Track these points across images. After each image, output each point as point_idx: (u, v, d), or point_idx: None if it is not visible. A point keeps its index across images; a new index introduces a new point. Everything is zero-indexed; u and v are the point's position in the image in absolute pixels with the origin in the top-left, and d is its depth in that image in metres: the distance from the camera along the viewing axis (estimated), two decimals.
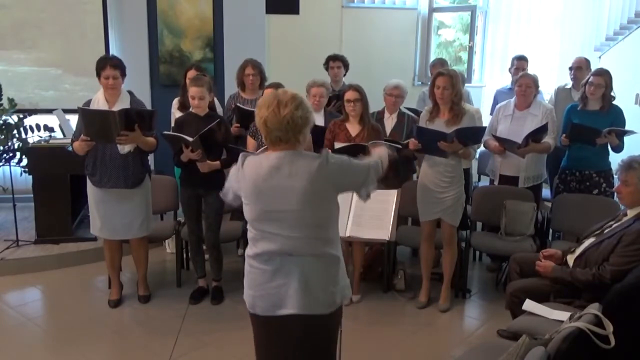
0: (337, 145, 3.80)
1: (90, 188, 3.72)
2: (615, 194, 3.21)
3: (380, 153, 2.42)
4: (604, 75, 4.04)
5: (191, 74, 4.15)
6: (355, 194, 2.22)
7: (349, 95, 3.80)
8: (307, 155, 2.04)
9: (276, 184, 2.00)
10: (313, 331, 2.09)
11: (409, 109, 4.70)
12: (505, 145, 4.06)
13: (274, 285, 2.06)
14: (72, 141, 3.66)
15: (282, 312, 2.05)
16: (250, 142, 3.93)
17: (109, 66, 3.52)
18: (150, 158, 3.98)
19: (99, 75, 3.56)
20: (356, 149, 3.63)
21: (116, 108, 3.54)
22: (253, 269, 2.11)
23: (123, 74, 3.60)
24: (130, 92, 3.70)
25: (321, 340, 2.13)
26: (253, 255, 2.10)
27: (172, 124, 4.03)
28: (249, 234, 2.12)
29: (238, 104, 4.30)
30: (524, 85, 4.08)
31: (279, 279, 2.05)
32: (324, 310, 2.08)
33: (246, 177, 2.05)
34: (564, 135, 4.10)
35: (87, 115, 3.49)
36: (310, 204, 2.00)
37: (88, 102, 3.64)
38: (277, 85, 3.76)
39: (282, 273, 2.05)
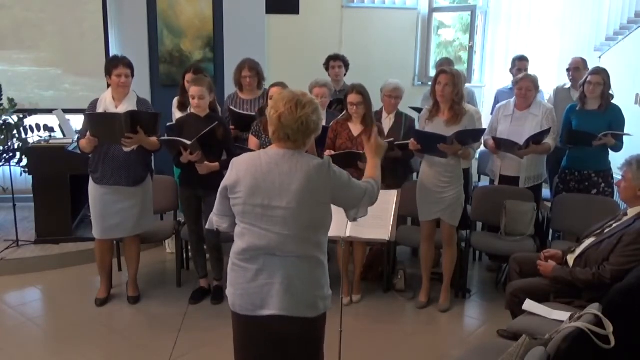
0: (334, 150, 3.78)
1: (91, 187, 3.73)
2: (616, 189, 3.24)
3: (376, 151, 2.40)
4: (602, 74, 4.05)
5: (189, 77, 4.15)
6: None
7: (352, 98, 3.79)
8: (308, 156, 2.06)
9: (275, 179, 2.00)
10: (295, 334, 2.08)
11: (414, 108, 4.69)
12: (506, 145, 4.05)
13: (255, 285, 2.05)
14: (79, 139, 3.68)
15: (263, 313, 2.05)
16: (253, 141, 3.92)
17: (122, 65, 3.58)
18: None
19: (109, 73, 3.59)
20: (353, 157, 3.62)
21: (123, 107, 3.58)
22: (235, 267, 2.11)
23: (133, 74, 3.66)
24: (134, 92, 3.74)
25: (304, 344, 2.12)
26: (238, 251, 2.09)
27: (171, 123, 4.04)
28: (237, 229, 2.11)
29: (231, 107, 4.29)
30: (524, 88, 4.07)
31: (262, 279, 2.04)
32: (307, 313, 2.07)
33: (242, 170, 2.04)
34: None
35: (94, 119, 3.53)
36: (306, 203, 2.00)
37: (95, 102, 3.67)
38: (282, 85, 3.77)
39: (265, 273, 2.04)
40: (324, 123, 4.03)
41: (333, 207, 2.14)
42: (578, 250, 3.09)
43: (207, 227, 2.32)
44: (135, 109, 3.58)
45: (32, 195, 4.67)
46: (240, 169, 2.05)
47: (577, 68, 4.66)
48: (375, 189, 2.24)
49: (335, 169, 2.07)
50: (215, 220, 2.21)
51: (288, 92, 2.06)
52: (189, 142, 3.51)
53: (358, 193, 2.15)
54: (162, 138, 3.68)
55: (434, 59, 6.37)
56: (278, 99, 2.03)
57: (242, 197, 2.03)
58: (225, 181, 2.09)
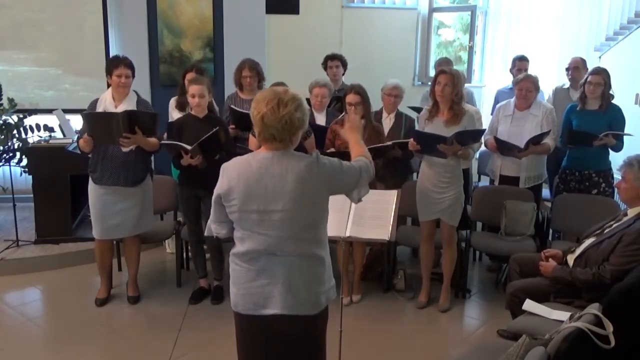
0: (332, 151, 3.77)
1: (91, 187, 3.73)
2: (616, 191, 3.24)
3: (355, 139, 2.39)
4: (602, 74, 4.05)
5: (190, 76, 4.15)
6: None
7: (350, 98, 3.79)
8: (297, 155, 2.04)
9: (267, 183, 1.99)
10: (297, 332, 2.08)
11: (414, 107, 4.69)
12: (506, 148, 4.04)
13: (257, 285, 2.05)
14: (78, 139, 3.68)
15: (266, 312, 2.05)
16: (253, 141, 3.90)
17: (124, 65, 3.59)
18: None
19: (110, 73, 3.59)
20: (348, 157, 3.61)
21: (123, 107, 3.58)
22: (237, 267, 2.11)
23: (133, 75, 3.67)
24: (135, 92, 3.74)
25: (306, 342, 2.12)
26: (238, 253, 2.09)
27: (171, 120, 4.04)
28: (236, 234, 2.10)
29: (232, 106, 4.28)
30: (524, 89, 4.06)
31: (263, 278, 2.04)
32: (309, 311, 2.07)
33: (234, 177, 2.02)
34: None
35: (91, 119, 3.53)
36: (301, 204, 1.99)
37: (95, 102, 3.67)
38: (282, 85, 3.76)
39: (267, 273, 2.04)
40: (323, 123, 4.08)
41: (333, 207, 2.13)
42: (578, 251, 3.09)
43: (206, 234, 2.32)
44: (135, 109, 3.58)
45: (32, 195, 4.67)
46: (231, 176, 2.03)
47: (576, 68, 4.66)
48: (369, 164, 2.21)
49: (325, 161, 2.05)
50: (213, 228, 2.20)
51: (269, 91, 2.02)
52: (189, 147, 3.50)
53: (353, 174, 2.14)
54: (163, 142, 3.68)
55: (434, 59, 6.36)
56: (259, 99, 2.00)
57: (237, 204, 2.02)
58: (218, 189, 2.08)
